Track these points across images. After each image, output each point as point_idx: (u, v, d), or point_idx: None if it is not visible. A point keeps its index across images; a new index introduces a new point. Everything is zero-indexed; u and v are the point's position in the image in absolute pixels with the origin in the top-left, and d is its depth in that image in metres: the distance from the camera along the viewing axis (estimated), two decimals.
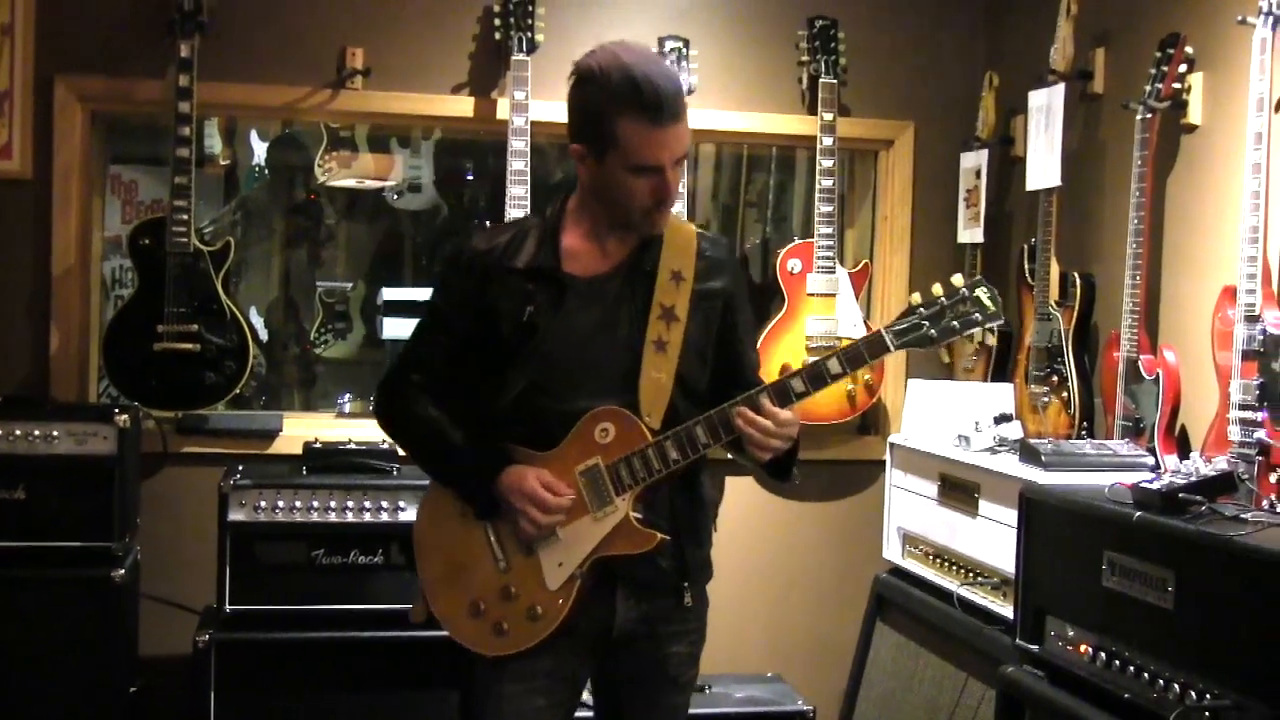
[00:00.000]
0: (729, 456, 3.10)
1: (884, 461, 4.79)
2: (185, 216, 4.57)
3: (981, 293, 2.86)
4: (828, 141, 4.95)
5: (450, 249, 3.00)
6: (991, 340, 2.93)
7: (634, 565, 2.95)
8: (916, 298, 2.90)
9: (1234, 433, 3.43)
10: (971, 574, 4.17)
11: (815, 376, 2.89)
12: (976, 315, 2.86)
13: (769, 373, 3.00)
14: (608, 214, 2.95)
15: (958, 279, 2.89)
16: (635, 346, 2.94)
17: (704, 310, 3.01)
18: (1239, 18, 3.52)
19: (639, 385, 2.93)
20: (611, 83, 2.78)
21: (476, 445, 3.00)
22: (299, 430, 4.89)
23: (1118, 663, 3.11)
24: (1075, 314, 4.30)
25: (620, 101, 2.77)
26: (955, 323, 2.86)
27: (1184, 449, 3.86)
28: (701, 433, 2.89)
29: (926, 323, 2.86)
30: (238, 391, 4.78)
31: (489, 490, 2.95)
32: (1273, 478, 3.31)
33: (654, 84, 2.76)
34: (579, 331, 2.95)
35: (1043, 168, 4.45)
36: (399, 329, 5.75)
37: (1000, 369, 4.87)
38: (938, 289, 2.87)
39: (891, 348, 2.87)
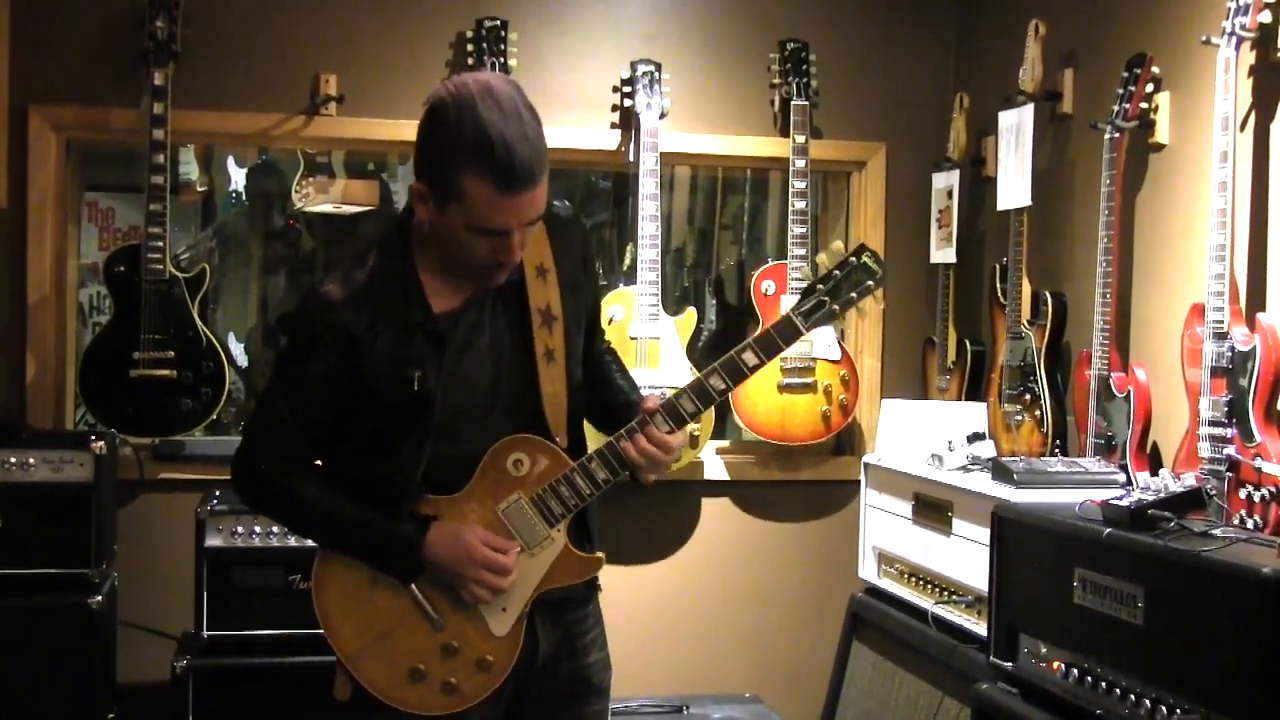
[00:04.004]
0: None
1: (859, 481, 4.81)
2: (160, 243, 4.58)
3: (867, 258, 2.82)
4: (800, 163, 4.97)
5: (297, 306, 2.78)
6: (880, 304, 2.91)
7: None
8: (809, 273, 2.89)
9: (1204, 449, 3.45)
10: (946, 592, 4.19)
11: (733, 371, 2.78)
12: (869, 282, 2.82)
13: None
14: (445, 256, 2.73)
15: (838, 245, 2.89)
16: (527, 365, 2.79)
17: (573, 297, 2.87)
18: (1203, 38, 3.55)
19: (542, 406, 2.79)
20: (463, 134, 2.53)
21: (380, 513, 2.75)
22: None
23: (1090, 679, 3.13)
24: (1047, 333, 4.32)
25: (469, 158, 2.53)
26: (853, 293, 2.82)
27: (1155, 466, 3.88)
28: (629, 447, 2.77)
29: (828, 298, 2.80)
30: (215, 417, 4.78)
31: (415, 560, 2.74)
32: (1242, 493, 3.34)
33: (510, 148, 2.51)
34: (469, 373, 2.75)
35: (1013, 188, 4.48)
36: None
37: (973, 388, 4.90)
38: (823, 259, 2.86)
39: (803, 329, 2.79)
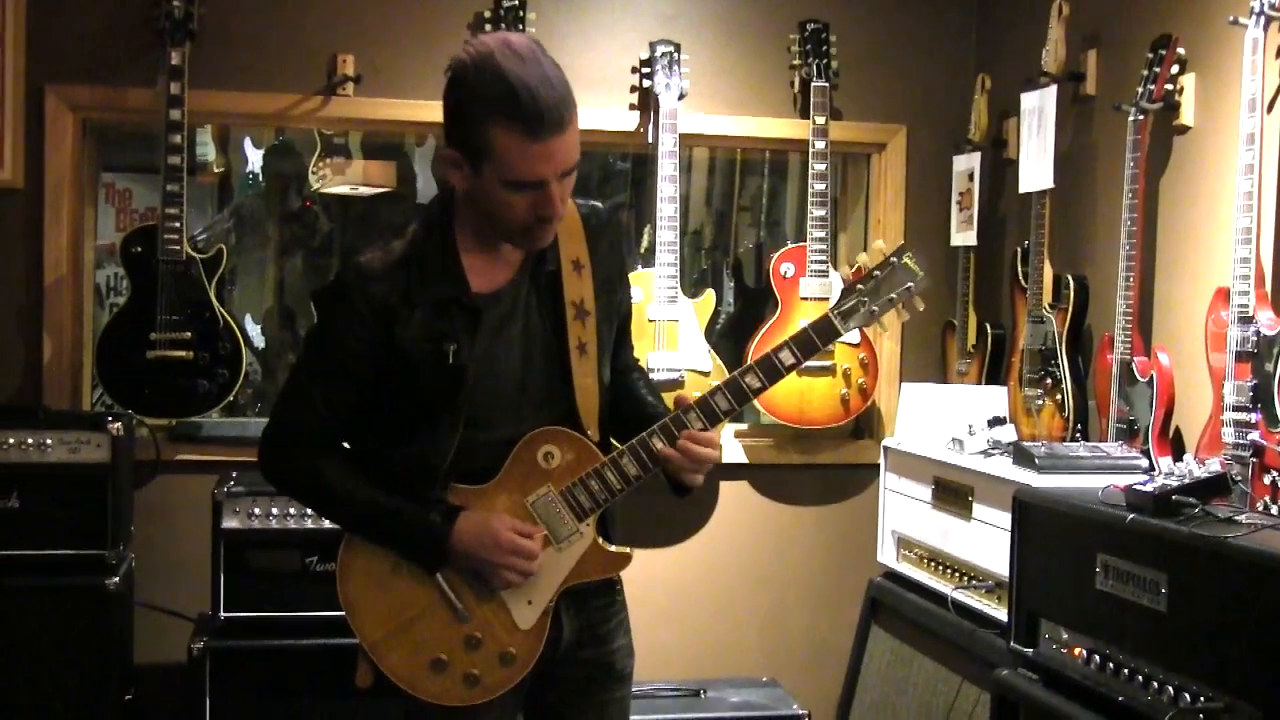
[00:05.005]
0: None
1: (878, 465, 4.79)
2: (177, 224, 4.57)
3: (909, 259, 2.80)
4: (820, 145, 4.94)
5: (334, 278, 2.76)
6: (921, 307, 2.89)
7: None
8: (847, 272, 2.88)
9: (1228, 434, 3.42)
10: (965, 577, 4.17)
11: (769, 369, 2.76)
12: (909, 284, 2.80)
13: None
14: (487, 226, 2.71)
15: (880, 245, 2.87)
16: (560, 355, 2.77)
17: (606, 294, 2.85)
18: (1230, 18, 3.51)
19: (574, 398, 2.77)
20: (485, 87, 2.52)
21: (408, 500, 2.73)
22: None
23: (1111, 665, 3.11)
24: (1069, 316, 4.29)
25: (494, 109, 2.52)
26: (892, 294, 2.80)
27: (1178, 451, 3.85)
28: (659, 443, 2.73)
29: (867, 299, 2.78)
30: (231, 399, 4.77)
31: (442, 548, 2.71)
32: (1266, 479, 3.31)
33: (533, 92, 2.50)
34: (503, 356, 2.73)
35: (1035, 170, 4.45)
36: None
37: (994, 372, 4.87)
38: (863, 258, 2.84)
39: (842, 330, 2.78)
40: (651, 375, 4.67)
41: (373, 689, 2.82)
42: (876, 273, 2.80)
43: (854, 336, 4.96)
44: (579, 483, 2.75)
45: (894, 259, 2.81)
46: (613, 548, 2.83)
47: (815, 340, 2.77)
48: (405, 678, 2.78)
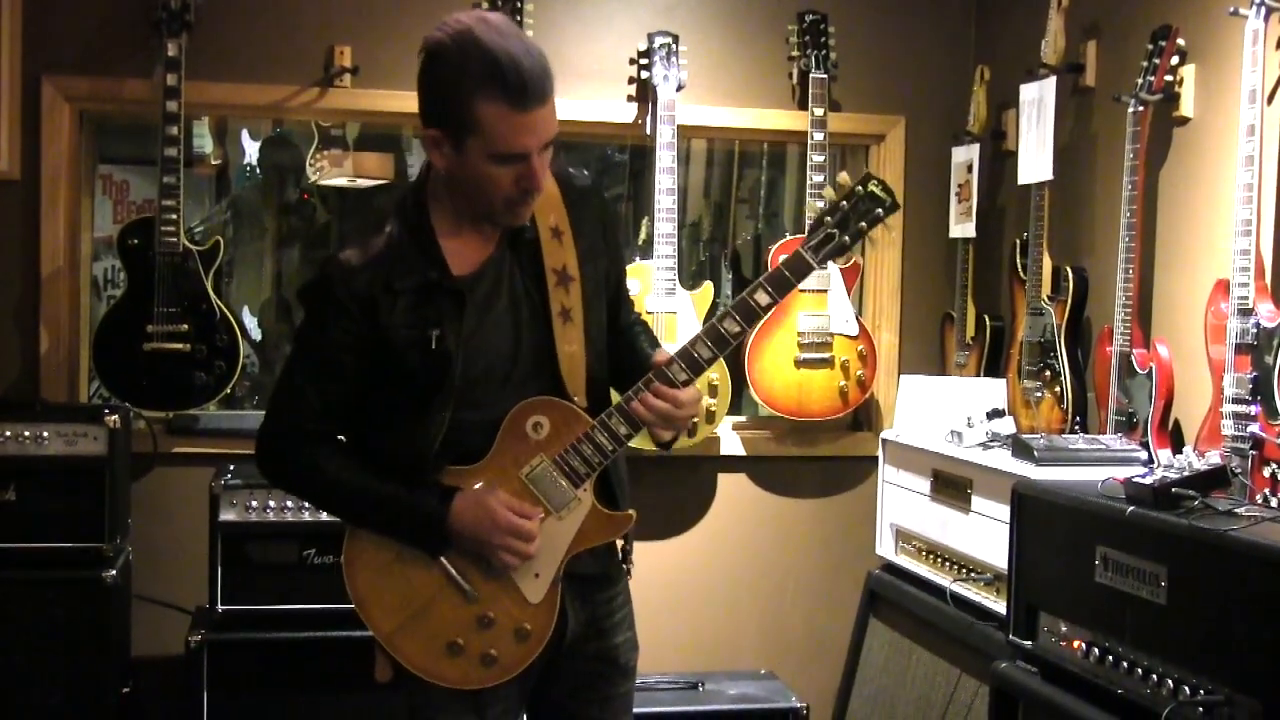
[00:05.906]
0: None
1: (876, 458, 4.78)
2: (174, 216, 4.56)
3: (874, 186, 2.76)
4: (818, 137, 4.93)
5: (315, 275, 2.80)
6: (891, 231, 2.85)
7: (574, 562, 2.80)
8: (819, 207, 2.84)
9: (1227, 427, 3.42)
10: (964, 570, 4.16)
11: (747, 312, 2.74)
12: (878, 210, 2.76)
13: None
14: (468, 205, 2.72)
15: (844, 176, 2.82)
16: (543, 325, 2.76)
17: (591, 260, 2.85)
18: (1231, 9, 3.49)
19: (558, 366, 2.76)
20: (469, 62, 2.55)
21: (403, 486, 2.73)
22: None
23: (1111, 658, 3.10)
24: (1068, 308, 4.28)
25: (479, 82, 2.54)
26: (862, 223, 2.76)
27: (1177, 443, 3.84)
28: (638, 407, 2.73)
29: (837, 231, 2.75)
30: (229, 391, 4.77)
31: (441, 531, 2.71)
32: (1266, 471, 3.30)
33: (517, 63, 2.53)
34: (488, 335, 2.74)
35: (1034, 162, 4.43)
36: None
37: (993, 364, 4.87)
38: (830, 193, 2.81)
39: (815, 264, 2.75)
40: None
41: (392, 684, 2.81)
42: (843, 204, 2.77)
43: (852, 328, 4.96)
44: (571, 448, 2.75)
45: (859, 187, 2.77)
46: (614, 511, 2.83)
47: (789, 277, 2.75)
48: (423, 666, 2.77)
